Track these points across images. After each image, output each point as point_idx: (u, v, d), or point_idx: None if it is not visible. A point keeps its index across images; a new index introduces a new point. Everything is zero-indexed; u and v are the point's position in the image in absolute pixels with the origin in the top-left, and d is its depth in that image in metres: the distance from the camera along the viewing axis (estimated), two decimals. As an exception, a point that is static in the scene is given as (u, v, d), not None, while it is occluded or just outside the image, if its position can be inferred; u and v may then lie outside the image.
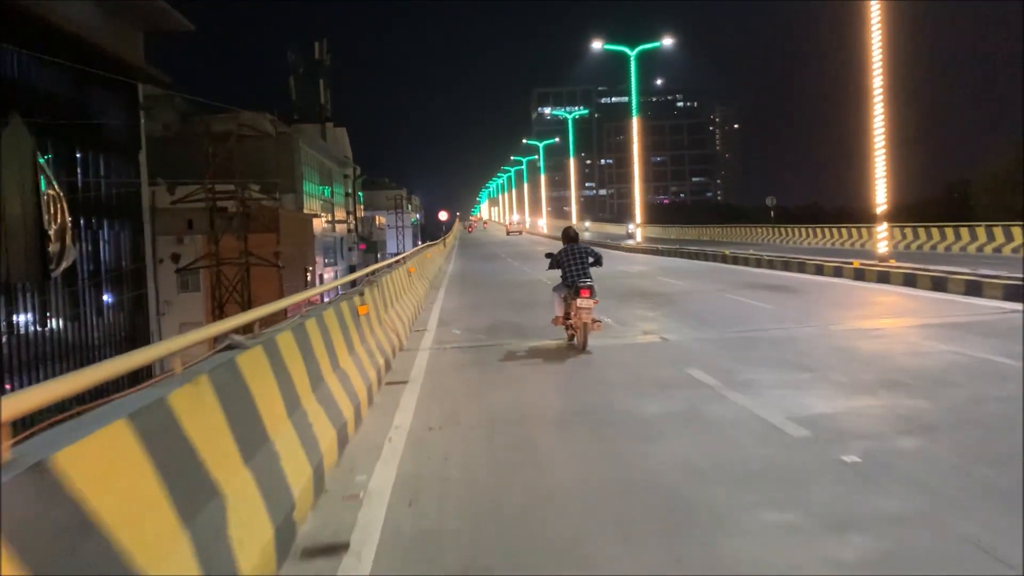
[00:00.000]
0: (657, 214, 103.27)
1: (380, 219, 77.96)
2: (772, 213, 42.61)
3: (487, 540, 3.69)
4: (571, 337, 9.77)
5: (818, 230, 38.55)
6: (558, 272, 9.88)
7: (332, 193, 49.61)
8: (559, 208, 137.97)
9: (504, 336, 11.04)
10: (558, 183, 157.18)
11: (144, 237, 24.38)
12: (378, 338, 8.08)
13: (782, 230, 41.96)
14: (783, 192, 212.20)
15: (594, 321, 9.35)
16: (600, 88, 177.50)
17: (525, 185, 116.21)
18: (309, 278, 35.81)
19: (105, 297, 22.13)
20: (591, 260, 9.74)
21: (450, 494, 4.36)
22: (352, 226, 55.41)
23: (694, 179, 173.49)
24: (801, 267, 20.35)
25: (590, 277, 9.54)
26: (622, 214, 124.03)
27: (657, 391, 6.92)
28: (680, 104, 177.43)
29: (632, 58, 40.42)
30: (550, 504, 4.13)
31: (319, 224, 41.76)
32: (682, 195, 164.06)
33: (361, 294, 7.92)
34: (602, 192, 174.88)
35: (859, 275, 17.31)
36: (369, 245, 61.17)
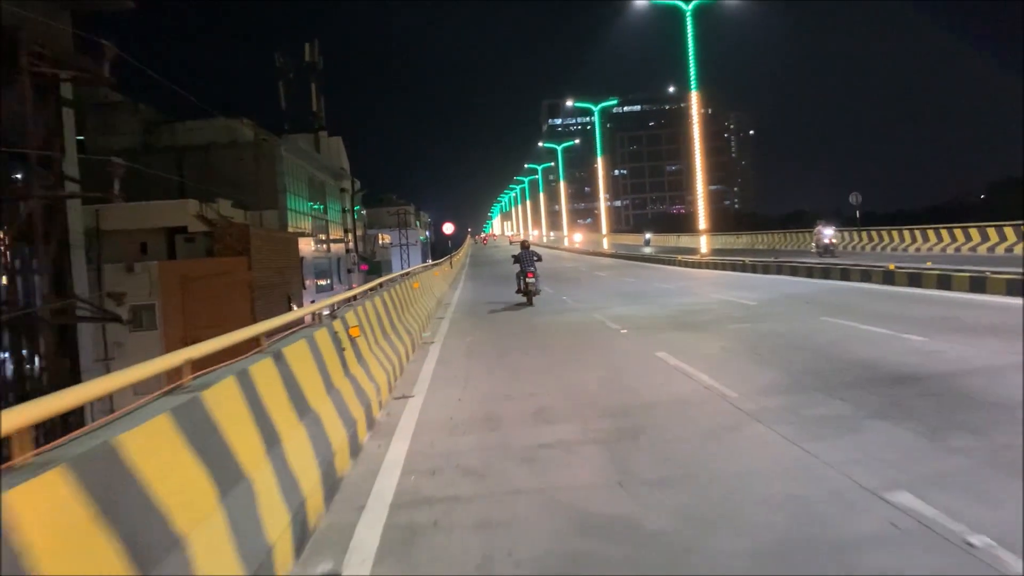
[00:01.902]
0: (674, 224, 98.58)
1: (384, 237, 73.28)
2: (858, 213, 36.13)
3: None
4: (528, 301, 18.12)
5: (929, 232, 31.18)
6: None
7: (326, 209, 44.87)
8: (572, 220, 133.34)
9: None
10: (570, 196, 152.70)
11: (76, 265, 19.53)
12: None
13: (874, 234, 34.97)
14: (806, 198, 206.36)
15: (536, 289, 18.37)
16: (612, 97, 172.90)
17: (541, 195, 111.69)
18: (295, 307, 30.94)
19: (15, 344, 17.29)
20: (536, 258, 18.67)
21: None
22: (351, 245, 50.63)
23: (711, 187, 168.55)
24: None
25: (534, 266, 18.38)
26: (639, 225, 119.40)
27: None
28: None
29: (688, 14, 35.78)
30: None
31: (307, 244, 36.93)
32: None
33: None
34: (616, 204, 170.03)
35: None
36: (372, 266, 56.37)
